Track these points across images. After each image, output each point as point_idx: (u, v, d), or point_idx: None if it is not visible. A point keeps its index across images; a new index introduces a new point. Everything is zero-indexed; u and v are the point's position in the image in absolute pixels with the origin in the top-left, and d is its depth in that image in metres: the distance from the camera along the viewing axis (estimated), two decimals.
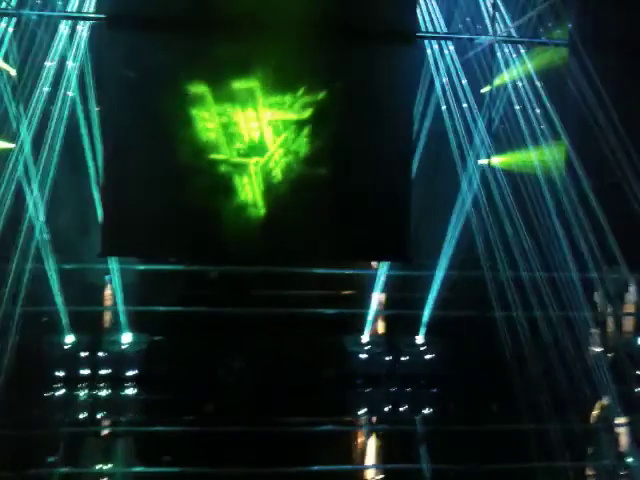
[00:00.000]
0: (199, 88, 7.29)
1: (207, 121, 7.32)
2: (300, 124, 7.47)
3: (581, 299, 8.18)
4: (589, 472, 8.05)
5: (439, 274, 8.01)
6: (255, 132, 7.40)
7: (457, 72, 8.11)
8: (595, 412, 8.11)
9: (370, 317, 8.60)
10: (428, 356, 8.21)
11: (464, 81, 8.13)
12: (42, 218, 7.51)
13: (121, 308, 7.79)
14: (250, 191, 7.46)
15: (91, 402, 7.70)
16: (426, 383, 8.07)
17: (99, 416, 7.95)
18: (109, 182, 7.37)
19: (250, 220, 7.49)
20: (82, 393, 7.66)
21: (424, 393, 8.07)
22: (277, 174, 7.47)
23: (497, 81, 8.30)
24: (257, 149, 7.41)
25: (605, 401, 8.12)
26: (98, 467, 7.85)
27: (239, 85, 7.32)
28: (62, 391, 7.57)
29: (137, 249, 7.67)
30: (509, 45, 8.16)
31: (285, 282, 8.13)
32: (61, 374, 7.55)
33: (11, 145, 7.46)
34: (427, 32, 8.08)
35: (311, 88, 7.42)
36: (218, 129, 7.35)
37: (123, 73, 7.13)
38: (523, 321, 7.93)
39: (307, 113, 7.46)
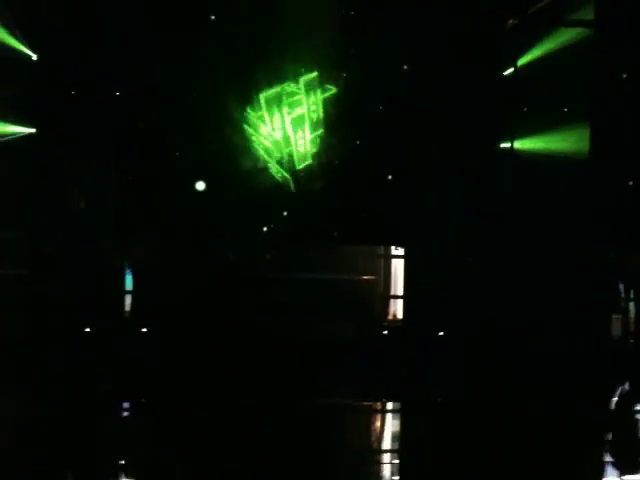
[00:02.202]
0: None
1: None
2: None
3: (604, 283, 8.11)
4: (608, 458, 8.03)
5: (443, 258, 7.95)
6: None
7: None
8: (615, 398, 8.05)
9: (389, 301, 8.61)
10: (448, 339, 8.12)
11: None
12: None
13: (139, 291, 7.84)
14: (269, 175, 7.49)
15: (110, 381, 7.74)
16: (446, 366, 8.01)
17: (118, 396, 8.02)
18: (124, 161, 7.42)
19: (269, 204, 7.53)
20: (102, 373, 7.71)
21: (444, 374, 8.02)
22: (301, 160, 7.50)
23: (520, 62, 8.13)
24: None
25: (626, 387, 8.07)
26: (117, 447, 7.99)
27: None
28: (80, 372, 7.61)
29: (157, 231, 7.72)
30: (533, 25, 8.01)
31: (301, 266, 8.12)
32: (80, 355, 7.59)
33: (31, 130, 7.52)
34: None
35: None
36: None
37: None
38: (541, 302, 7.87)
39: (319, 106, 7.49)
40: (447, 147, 7.75)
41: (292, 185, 7.41)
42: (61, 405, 7.38)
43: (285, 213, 7.58)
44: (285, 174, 7.40)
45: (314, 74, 7.45)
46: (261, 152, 7.42)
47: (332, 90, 7.48)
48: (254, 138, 7.41)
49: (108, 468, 7.71)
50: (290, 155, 7.43)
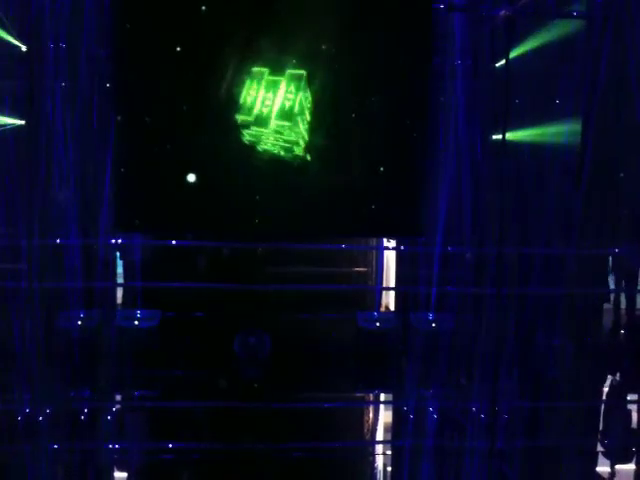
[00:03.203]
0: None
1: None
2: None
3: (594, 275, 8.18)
4: (600, 449, 8.12)
5: (439, 250, 7.97)
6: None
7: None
8: (607, 389, 8.14)
9: (381, 293, 8.62)
10: (440, 332, 8.15)
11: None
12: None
13: (132, 284, 7.80)
14: (267, 167, 7.43)
15: (104, 377, 7.71)
16: (437, 358, 8.04)
17: (112, 391, 7.98)
18: (123, 154, 7.33)
19: (264, 196, 7.47)
20: (95, 368, 7.67)
21: (436, 369, 8.05)
22: (293, 150, 7.42)
23: (513, 54, 8.12)
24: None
25: (617, 377, 8.16)
26: (111, 443, 7.95)
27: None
28: (75, 366, 7.56)
29: (152, 225, 7.65)
30: (527, 18, 8.00)
31: (295, 259, 8.11)
32: (74, 349, 7.54)
33: (21, 122, 7.40)
34: (441, 4, 7.95)
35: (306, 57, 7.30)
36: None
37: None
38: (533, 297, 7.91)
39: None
40: (445, 140, 7.77)
41: (308, 156, 7.30)
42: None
43: (282, 206, 7.53)
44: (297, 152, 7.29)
45: (305, 68, 7.37)
46: (262, 146, 7.34)
47: (325, 83, 7.41)
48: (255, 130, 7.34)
49: None
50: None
